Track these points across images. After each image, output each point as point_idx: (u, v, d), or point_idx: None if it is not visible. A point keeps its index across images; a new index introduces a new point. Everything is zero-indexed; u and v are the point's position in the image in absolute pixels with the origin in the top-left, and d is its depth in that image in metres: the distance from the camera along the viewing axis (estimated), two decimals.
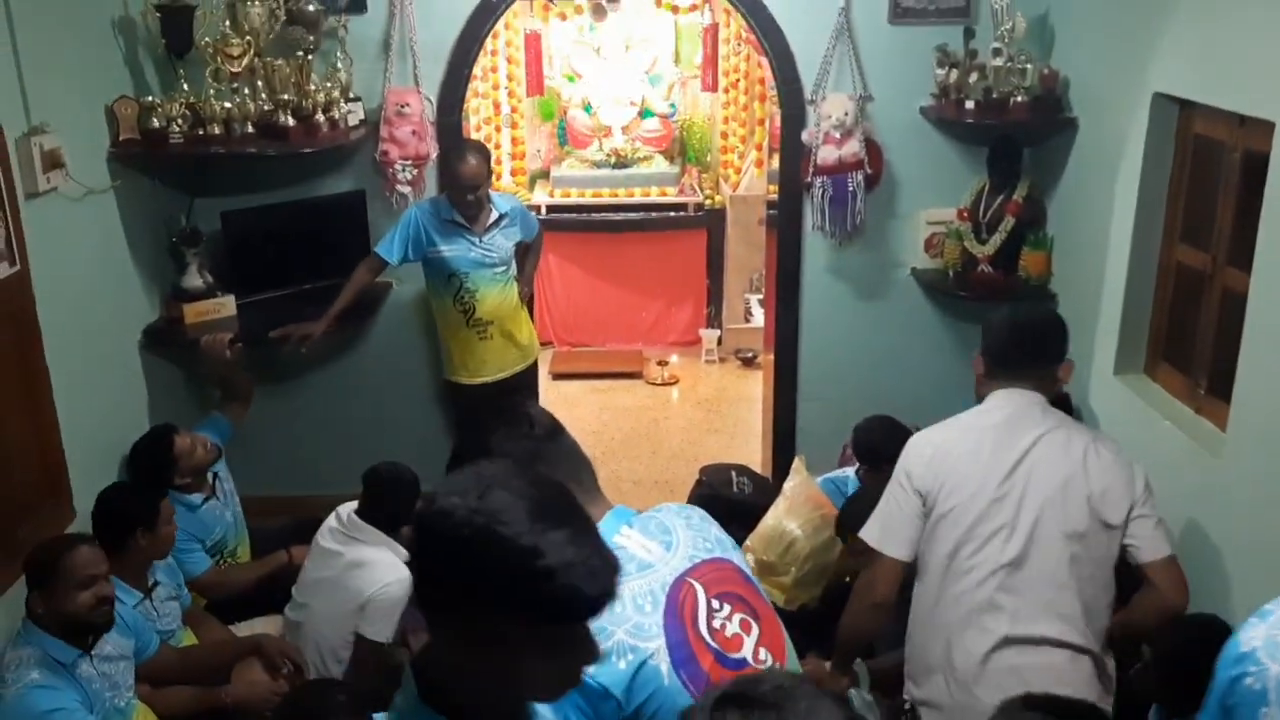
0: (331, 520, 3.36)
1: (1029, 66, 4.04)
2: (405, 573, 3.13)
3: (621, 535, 1.70)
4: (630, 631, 1.57)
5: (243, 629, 3.47)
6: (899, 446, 2.71)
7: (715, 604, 1.68)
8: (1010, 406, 2.57)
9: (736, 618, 1.70)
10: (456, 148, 4.10)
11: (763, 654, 1.70)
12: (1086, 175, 4.03)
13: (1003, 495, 2.46)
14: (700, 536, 1.78)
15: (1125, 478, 2.51)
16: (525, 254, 4.38)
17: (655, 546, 1.70)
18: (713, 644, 1.64)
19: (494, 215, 4.12)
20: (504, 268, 4.18)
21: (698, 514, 1.86)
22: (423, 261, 4.11)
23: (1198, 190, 3.50)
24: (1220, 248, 3.34)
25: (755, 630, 1.72)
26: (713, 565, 1.73)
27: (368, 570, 3.21)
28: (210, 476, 3.67)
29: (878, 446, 3.50)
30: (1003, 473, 2.47)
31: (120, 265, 3.90)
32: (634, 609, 1.59)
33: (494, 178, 4.25)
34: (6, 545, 2.96)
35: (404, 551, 3.21)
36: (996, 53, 4.06)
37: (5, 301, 3.07)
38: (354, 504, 3.35)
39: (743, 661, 1.67)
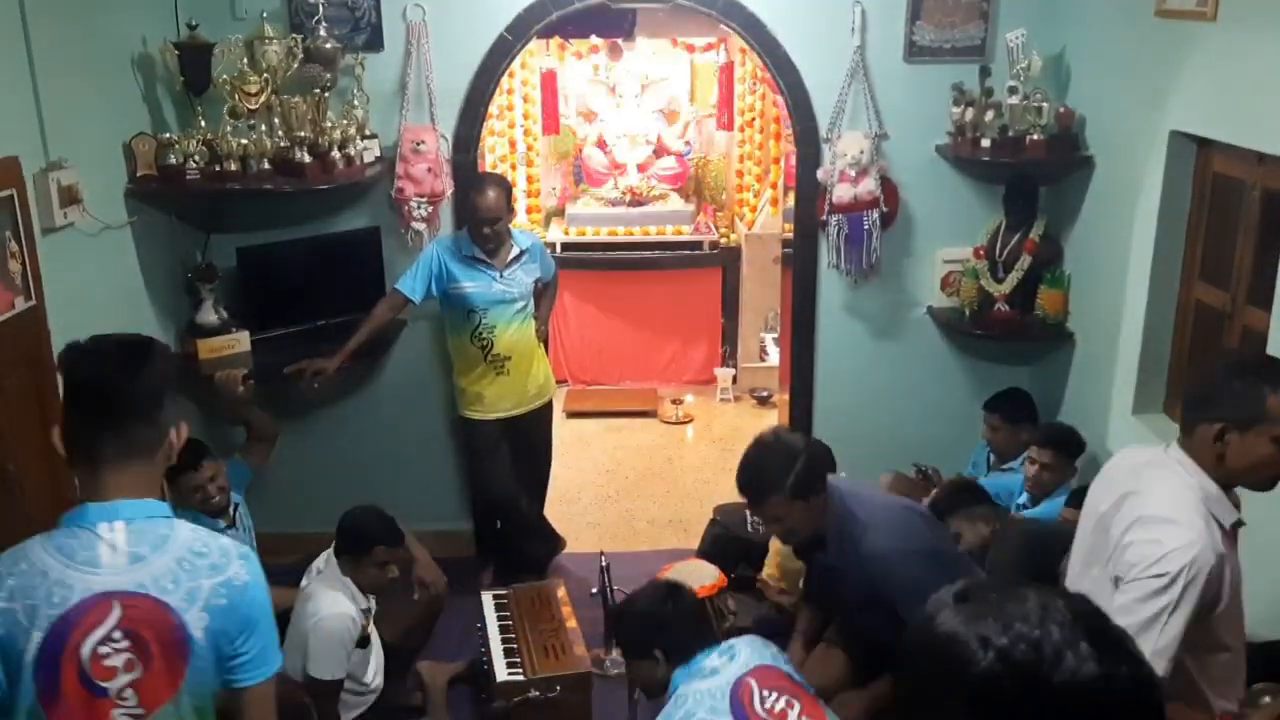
0: (319, 560, 3.35)
1: (1045, 105, 4.03)
2: (346, 609, 3.16)
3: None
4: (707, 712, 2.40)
5: None
6: None
7: (766, 692, 2.42)
8: None
9: (782, 699, 2.42)
10: (476, 181, 4.12)
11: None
12: (1103, 214, 4.00)
13: None
14: (756, 651, 2.54)
15: None
16: (542, 293, 4.37)
17: (722, 660, 2.50)
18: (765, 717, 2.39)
19: (515, 250, 4.12)
20: (523, 303, 4.18)
21: (760, 639, 2.62)
22: (441, 297, 4.11)
23: (1216, 228, 3.48)
24: (1240, 286, 3.31)
25: (798, 706, 2.44)
26: (765, 669, 2.49)
27: (310, 604, 3.19)
28: (232, 509, 3.67)
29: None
30: None
31: (136, 301, 3.91)
32: (708, 700, 2.40)
33: (513, 214, 4.23)
34: None
35: (358, 595, 3.23)
36: (1012, 91, 4.05)
37: (20, 336, 3.07)
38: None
39: None
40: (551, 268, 4.42)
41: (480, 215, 3.97)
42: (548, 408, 4.46)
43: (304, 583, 3.33)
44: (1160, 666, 1.94)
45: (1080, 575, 2.26)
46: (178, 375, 3.83)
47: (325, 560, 3.31)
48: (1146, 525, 2.07)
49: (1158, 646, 1.95)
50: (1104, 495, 2.22)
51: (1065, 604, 0.98)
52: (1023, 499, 3.88)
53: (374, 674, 3.37)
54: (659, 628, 2.56)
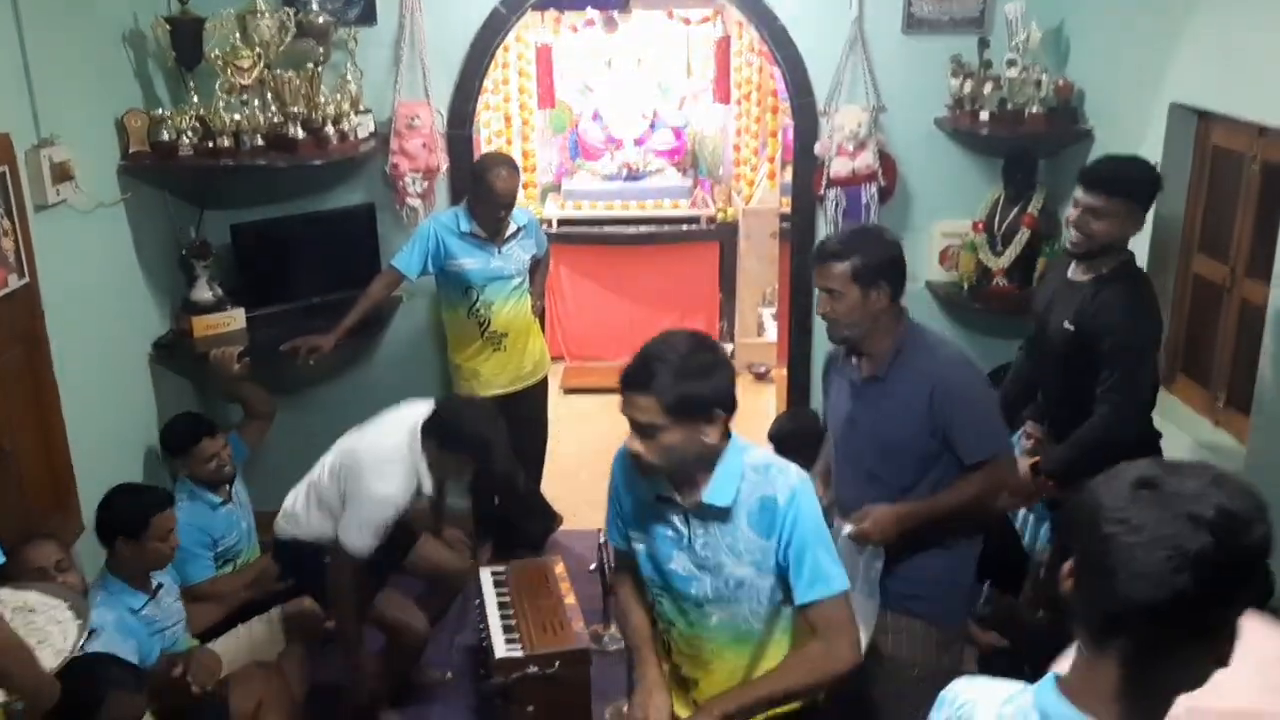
0: (405, 423, 3.29)
1: (1044, 77, 4.00)
2: (398, 494, 3.13)
3: None
4: None
5: (241, 631, 3.45)
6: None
7: None
8: None
9: None
10: (493, 162, 4.05)
11: None
12: None
13: None
14: None
15: None
16: (535, 269, 4.35)
17: None
18: None
19: (512, 227, 4.10)
20: (519, 280, 4.16)
21: None
22: (438, 273, 4.08)
23: (1216, 201, 3.46)
24: (1239, 259, 3.30)
25: None
26: None
27: (377, 471, 3.15)
28: (228, 485, 3.71)
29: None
30: None
31: (130, 278, 3.89)
32: None
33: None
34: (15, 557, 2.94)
35: (426, 479, 3.20)
36: (1011, 63, 4.03)
37: (14, 314, 3.05)
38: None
39: None
40: (545, 244, 4.39)
41: (498, 199, 3.95)
42: (543, 384, 4.45)
43: (387, 433, 3.26)
44: None
45: None
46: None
47: (412, 433, 3.22)
48: None
49: None
50: None
51: (1214, 473, 1.13)
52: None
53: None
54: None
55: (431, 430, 3.22)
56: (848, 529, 2.55)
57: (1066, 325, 2.95)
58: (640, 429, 2.06)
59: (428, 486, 3.23)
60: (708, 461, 2.09)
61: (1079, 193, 2.91)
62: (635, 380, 2.07)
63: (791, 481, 2.10)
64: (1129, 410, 2.89)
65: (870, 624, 2.61)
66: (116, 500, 3.12)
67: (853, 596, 2.25)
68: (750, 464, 2.11)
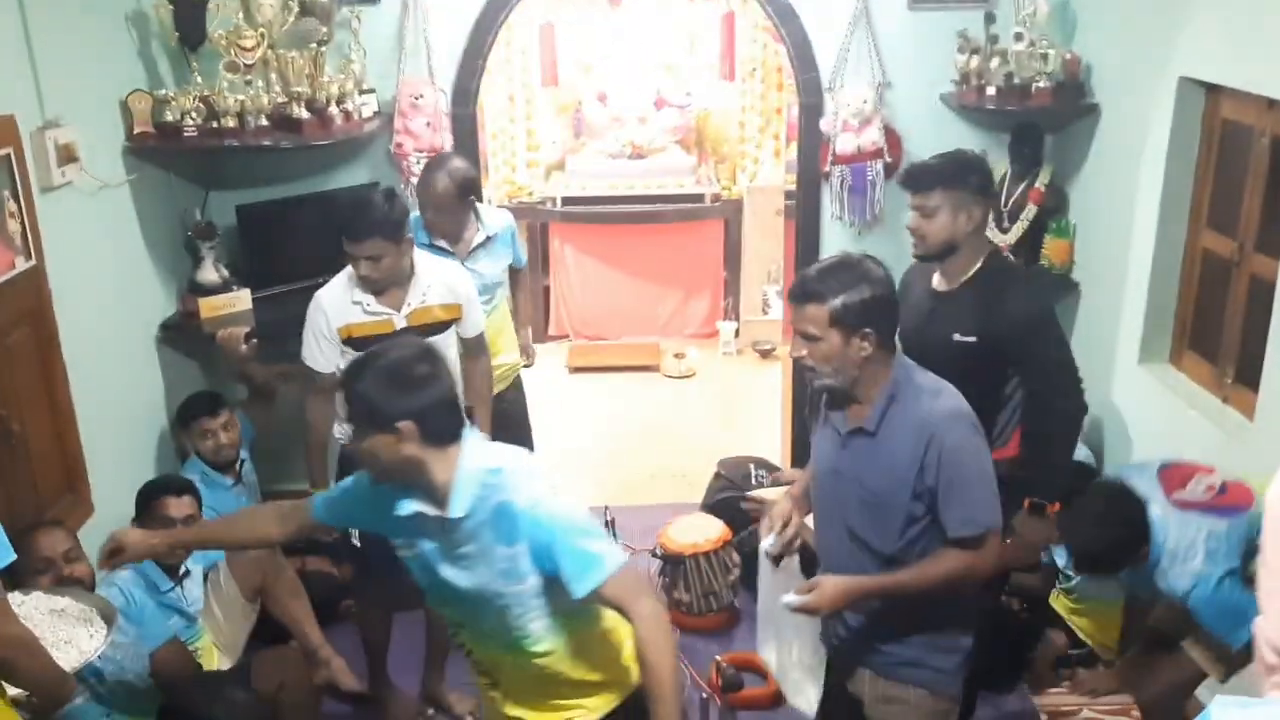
0: None
1: (1051, 52, 3.98)
2: (323, 295, 3.15)
3: None
4: None
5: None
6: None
7: None
8: None
9: None
10: (431, 160, 3.79)
11: None
12: (1110, 162, 3.97)
13: None
14: None
15: None
16: (515, 279, 4.05)
17: None
18: None
19: (480, 236, 3.65)
20: (488, 296, 3.65)
21: None
22: None
23: (1225, 176, 3.44)
24: (1248, 234, 3.28)
25: None
26: None
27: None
28: (238, 465, 3.74)
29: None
30: None
31: (136, 259, 3.89)
32: None
33: (473, 196, 3.65)
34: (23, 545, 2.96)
35: (357, 290, 3.12)
36: (1018, 38, 4.00)
37: (22, 296, 3.06)
38: None
39: None
40: (523, 256, 4.09)
41: (420, 199, 3.61)
42: (517, 387, 4.09)
43: None
44: None
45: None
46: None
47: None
48: None
49: None
50: None
51: None
52: None
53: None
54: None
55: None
56: (790, 598, 2.30)
57: (960, 338, 2.76)
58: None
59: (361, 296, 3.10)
60: (430, 471, 2.02)
61: (907, 199, 2.86)
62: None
63: (527, 483, 2.04)
64: (1077, 391, 2.83)
65: (819, 675, 2.53)
66: (146, 486, 3.22)
67: (797, 652, 2.25)
68: (486, 467, 2.03)
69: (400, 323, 3.12)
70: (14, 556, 2.09)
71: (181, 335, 4.07)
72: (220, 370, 4.25)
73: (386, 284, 3.10)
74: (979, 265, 2.82)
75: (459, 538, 2.05)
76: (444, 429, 2.02)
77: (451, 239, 3.58)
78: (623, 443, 5.51)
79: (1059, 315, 4.30)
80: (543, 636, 2.10)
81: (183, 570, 3.15)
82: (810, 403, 2.50)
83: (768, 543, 2.45)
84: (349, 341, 3.11)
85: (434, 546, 2.09)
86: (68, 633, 2.42)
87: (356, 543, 3.10)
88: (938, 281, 2.89)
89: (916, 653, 2.34)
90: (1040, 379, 2.79)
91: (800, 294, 2.22)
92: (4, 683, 2.18)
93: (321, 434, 3.24)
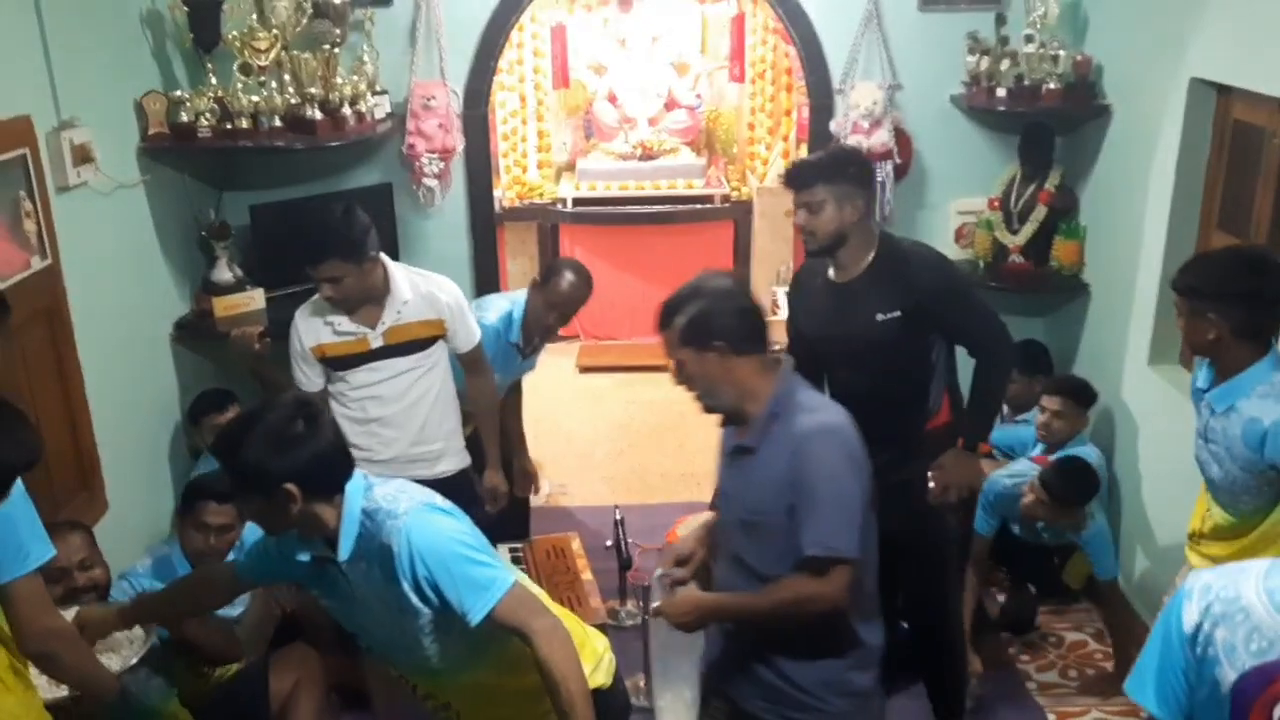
0: None
1: (1062, 53, 3.98)
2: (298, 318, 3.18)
3: None
4: None
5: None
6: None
7: None
8: None
9: None
10: (569, 264, 3.69)
11: None
12: (1121, 163, 3.97)
13: None
14: None
15: None
16: (473, 372, 3.34)
17: None
18: None
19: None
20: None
21: None
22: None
23: (1236, 177, 3.44)
24: (1259, 235, 3.28)
25: None
26: None
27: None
28: None
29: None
30: None
31: (150, 259, 3.92)
32: None
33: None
34: None
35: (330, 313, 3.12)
36: (1028, 39, 4.01)
37: (37, 295, 3.08)
38: None
39: None
40: (475, 336, 3.27)
41: (564, 306, 3.55)
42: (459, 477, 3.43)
43: None
44: None
45: None
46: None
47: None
48: None
49: None
50: None
51: None
52: (1037, 450, 3.89)
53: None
54: None
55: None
56: (655, 604, 2.31)
57: (884, 316, 2.82)
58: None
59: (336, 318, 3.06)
60: (316, 521, 2.01)
61: (792, 197, 2.90)
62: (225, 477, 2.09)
63: (400, 524, 1.99)
64: (1006, 332, 2.96)
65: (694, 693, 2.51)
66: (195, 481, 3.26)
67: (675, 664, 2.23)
68: (365, 510, 2.02)
69: (377, 341, 3.04)
70: (54, 552, 2.12)
71: (195, 334, 4.09)
72: (234, 369, 4.27)
73: (356, 303, 3.00)
74: (875, 250, 2.89)
75: (354, 579, 2.06)
76: (328, 482, 2.01)
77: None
78: (632, 442, 5.53)
79: (1067, 316, 4.35)
80: (468, 658, 2.11)
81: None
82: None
83: (658, 573, 2.42)
84: (325, 361, 3.05)
85: (341, 589, 2.10)
86: (112, 641, 2.50)
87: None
88: (834, 274, 2.94)
89: (805, 697, 2.23)
90: (974, 333, 2.93)
91: (658, 323, 2.25)
92: (50, 682, 2.24)
93: None
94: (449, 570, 1.98)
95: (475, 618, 1.97)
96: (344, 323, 3.03)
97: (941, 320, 2.89)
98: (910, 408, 2.94)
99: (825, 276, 2.96)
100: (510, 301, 3.65)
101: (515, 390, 4.06)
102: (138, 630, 2.56)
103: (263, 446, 1.94)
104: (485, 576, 1.99)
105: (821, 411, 2.20)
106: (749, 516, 2.22)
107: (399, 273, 3.11)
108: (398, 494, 2.06)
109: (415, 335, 3.09)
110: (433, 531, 2.00)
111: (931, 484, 2.98)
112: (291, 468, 1.93)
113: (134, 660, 2.45)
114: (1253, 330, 2.43)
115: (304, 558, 2.08)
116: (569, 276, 3.66)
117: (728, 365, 2.19)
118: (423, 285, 3.13)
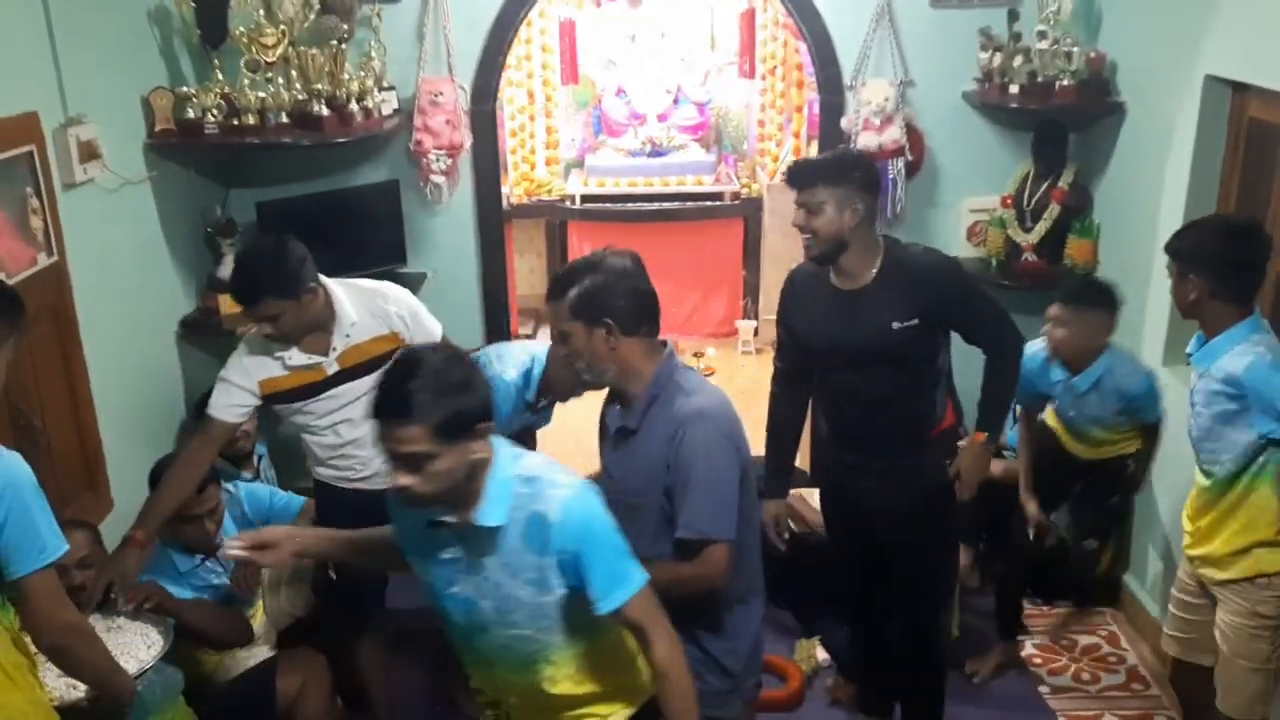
0: None
1: (1075, 49, 3.95)
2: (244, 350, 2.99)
3: None
4: None
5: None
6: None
7: None
8: None
9: None
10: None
11: None
12: (1135, 161, 3.93)
13: None
14: None
15: None
16: None
17: None
18: None
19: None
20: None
21: None
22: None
23: (1251, 175, 3.41)
24: (1275, 234, 3.24)
25: None
26: None
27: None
28: (255, 459, 3.74)
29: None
30: None
31: (157, 256, 3.91)
32: None
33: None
34: None
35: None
36: (1042, 35, 3.97)
37: (44, 292, 3.07)
38: None
39: None
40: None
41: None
42: None
43: None
44: None
45: None
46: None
47: None
48: None
49: None
50: None
51: None
52: (1061, 376, 3.58)
53: None
54: None
55: None
56: None
57: (900, 324, 2.76)
58: (406, 461, 1.88)
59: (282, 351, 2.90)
60: (479, 478, 1.96)
61: (793, 197, 2.85)
62: (392, 410, 1.87)
63: (562, 494, 1.96)
64: (1016, 329, 2.93)
65: None
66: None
67: None
68: (520, 476, 1.99)
69: (332, 367, 2.93)
70: (67, 547, 2.11)
71: (201, 331, 4.08)
72: None
73: (300, 335, 2.88)
74: (882, 256, 2.82)
75: (485, 546, 2.01)
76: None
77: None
78: None
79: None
80: (555, 650, 2.07)
81: (199, 558, 3.11)
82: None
83: None
84: (276, 397, 2.93)
85: (455, 557, 2.05)
86: (126, 644, 2.52)
87: (333, 574, 3.06)
88: (839, 282, 2.85)
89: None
90: (990, 331, 2.90)
91: (549, 293, 2.25)
92: (68, 684, 2.25)
93: (186, 478, 2.88)
94: (599, 553, 1.97)
95: (606, 607, 1.97)
96: (294, 355, 2.90)
97: (957, 323, 2.87)
98: (919, 413, 2.91)
99: (829, 284, 2.88)
100: (530, 356, 3.21)
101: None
102: (154, 635, 2.57)
103: (458, 387, 1.89)
104: (627, 569, 2.00)
105: (699, 394, 2.25)
106: (629, 498, 2.26)
107: (341, 293, 2.96)
108: (552, 465, 2.05)
109: (370, 354, 2.96)
110: (594, 512, 1.99)
111: (955, 483, 2.97)
112: (486, 401, 1.94)
113: (149, 665, 2.44)
114: (1231, 293, 2.58)
115: (430, 519, 2.00)
116: None
117: (614, 344, 2.21)
118: (367, 301, 3.00)
